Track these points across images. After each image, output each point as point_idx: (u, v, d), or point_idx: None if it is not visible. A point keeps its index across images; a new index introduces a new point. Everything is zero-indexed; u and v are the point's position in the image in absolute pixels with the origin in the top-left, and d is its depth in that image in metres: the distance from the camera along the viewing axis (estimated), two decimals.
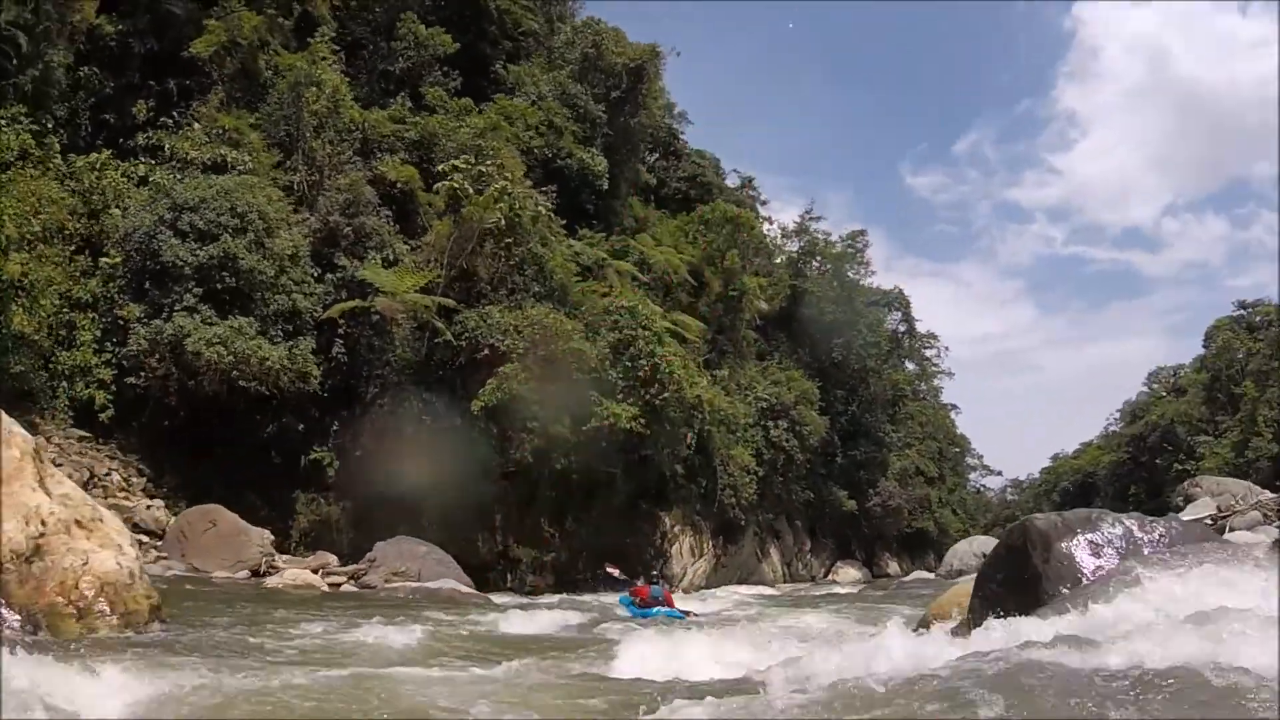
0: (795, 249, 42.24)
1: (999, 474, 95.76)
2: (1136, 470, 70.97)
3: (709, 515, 29.64)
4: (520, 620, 10.88)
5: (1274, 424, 48.12)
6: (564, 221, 27.71)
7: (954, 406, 62.61)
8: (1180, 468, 60.87)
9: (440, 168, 22.68)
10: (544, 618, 11.92)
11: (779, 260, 44.42)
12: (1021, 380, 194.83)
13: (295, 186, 22.70)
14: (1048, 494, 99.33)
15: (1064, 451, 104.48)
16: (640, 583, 16.18)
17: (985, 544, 28.10)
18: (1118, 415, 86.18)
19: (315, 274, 21.09)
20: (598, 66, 33.46)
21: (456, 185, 21.30)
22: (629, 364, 23.51)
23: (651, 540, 27.56)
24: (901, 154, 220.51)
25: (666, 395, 23.86)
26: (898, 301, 51.62)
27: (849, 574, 40.73)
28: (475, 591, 15.29)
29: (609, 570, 20.68)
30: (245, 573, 14.66)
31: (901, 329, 52.15)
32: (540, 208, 23.74)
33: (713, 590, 25.38)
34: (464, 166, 22.04)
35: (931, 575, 28.08)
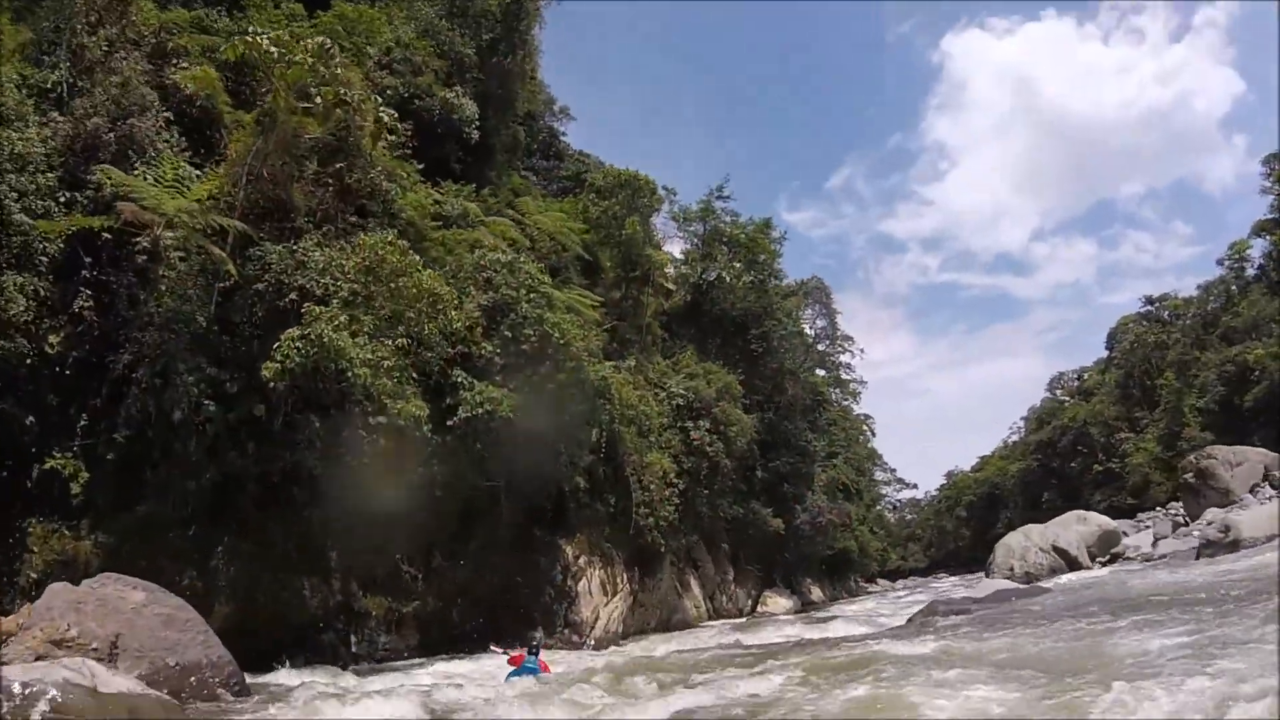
0: (700, 231, 36.72)
1: (914, 486, 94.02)
2: (1047, 476, 69.21)
3: (621, 542, 23.39)
4: None
5: (1200, 412, 46.01)
6: (421, 166, 21.40)
7: (868, 417, 58.57)
8: (1100, 468, 59.05)
9: (234, 39, 16.00)
10: None
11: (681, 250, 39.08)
12: (909, 405, 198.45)
13: (53, 87, 15.94)
14: (950, 510, 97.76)
15: (959, 469, 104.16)
16: (517, 650, 12.89)
17: (1046, 535, 24.18)
18: (1021, 424, 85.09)
19: (63, 197, 14.28)
20: (467, 11, 27.68)
21: (250, 45, 14.67)
22: (509, 334, 17.28)
23: (550, 578, 21.12)
24: (776, 193, 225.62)
25: (562, 376, 17.74)
26: (817, 292, 46.78)
27: (779, 603, 35.10)
28: (169, 701, 7.77)
29: (493, 650, 14.73)
30: None
31: (820, 324, 47.35)
32: (385, 115, 17.28)
33: (641, 645, 18.99)
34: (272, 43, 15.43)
35: (981, 577, 23.85)
